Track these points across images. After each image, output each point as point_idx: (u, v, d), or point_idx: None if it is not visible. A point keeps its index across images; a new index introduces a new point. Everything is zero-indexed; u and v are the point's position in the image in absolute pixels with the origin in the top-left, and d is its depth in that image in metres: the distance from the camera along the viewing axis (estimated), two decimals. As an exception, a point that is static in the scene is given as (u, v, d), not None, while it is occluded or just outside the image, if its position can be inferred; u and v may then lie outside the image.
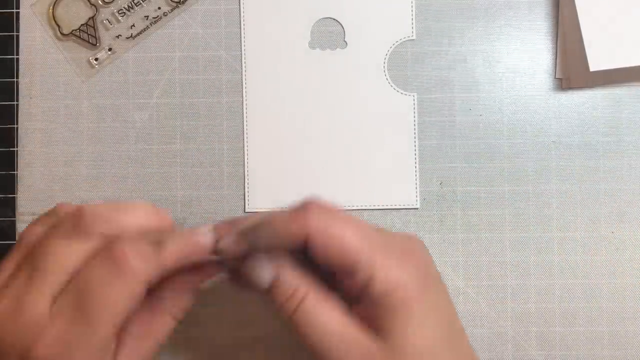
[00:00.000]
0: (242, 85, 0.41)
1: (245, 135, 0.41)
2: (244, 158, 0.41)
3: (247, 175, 0.41)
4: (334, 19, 0.41)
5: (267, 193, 0.41)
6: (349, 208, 0.41)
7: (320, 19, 0.41)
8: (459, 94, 0.41)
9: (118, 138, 0.42)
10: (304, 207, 0.28)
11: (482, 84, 0.41)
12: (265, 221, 0.28)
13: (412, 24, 0.41)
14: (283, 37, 0.41)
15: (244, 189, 0.41)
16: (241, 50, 0.41)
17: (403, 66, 0.41)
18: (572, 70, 0.41)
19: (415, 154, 0.41)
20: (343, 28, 0.41)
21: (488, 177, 0.41)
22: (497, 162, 0.41)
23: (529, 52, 0.41)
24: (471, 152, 0.41)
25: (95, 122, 0.42)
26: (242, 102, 0.41)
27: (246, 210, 0.41)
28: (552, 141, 0.41)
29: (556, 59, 0.41)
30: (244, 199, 0.41)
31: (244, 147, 0.41)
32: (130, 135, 0.42)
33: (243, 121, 0.41)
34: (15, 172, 0.41)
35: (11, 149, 0.42)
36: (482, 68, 0.41)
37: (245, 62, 0.41)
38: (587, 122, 0.41)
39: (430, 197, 0.41)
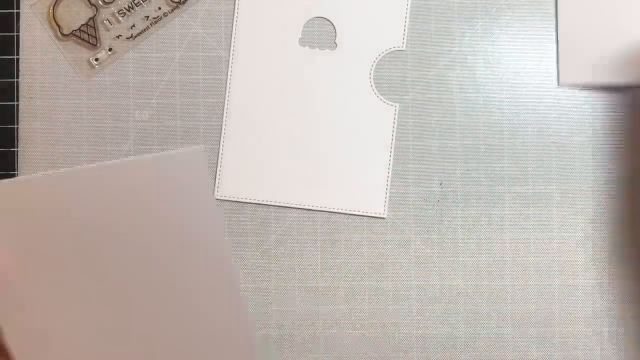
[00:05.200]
0: (227, 79, 0.41)
1: (223, 127, 0.41)
2: (218, 149, 0.41)
3: (220, 164, 0.41)
4: (328, 20, 0.41)
5: (239, 184, 0.41)
6: (318, 209, 0.41)
7: (313, 17, 0.41)
8: (459, 94, 0.41)
9: (118, 138, 0.42)
10: None
11: (482, 84, 0.41)
12: None
13: (404, 33, 0.41)
14: (275, 30, 0.41)
15: (215, 177, 0.41)
16: (231, 42, 0.41)
17: (397, 71, 0.41)
18: (571, 70, 0.41)
19: (389, 166, 0.41)
20: (335, 29, 0.41)
21: (488, 177, 0.41)
22: (497, 162, 0.41)
23: (529, 52, 0.41)
24: (471, 152, 0.41)
25: (95, 122, 0.42)
26: (225, 96, 0.41)
27: (216, 197, 0.41)
28: (552, 141, 0.41)
29: (557, 59, 0.41)
30: (214, 186, 0.41)
31: (220, 139, 0.41)
32: (130, 135, 0.42)
33: (223, 114, 0.41)
34: (16, 172, 0.41)
35: (11, 149, 0.42)
36: (483, 68, 0.41)
37: (232, 55, 0.41)
38: (587, 122, 0.41)
39: (431, 197, 0.41)
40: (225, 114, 0.41)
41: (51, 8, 0.41)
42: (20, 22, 0.42)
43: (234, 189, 0.41)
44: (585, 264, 0.41)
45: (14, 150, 0.42)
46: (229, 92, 0.41)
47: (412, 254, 0.41)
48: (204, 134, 0.41)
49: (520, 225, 0.41)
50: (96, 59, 0.41)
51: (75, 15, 0.42)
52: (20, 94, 0.42)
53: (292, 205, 0.41)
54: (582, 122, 0.41)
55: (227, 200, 0.41)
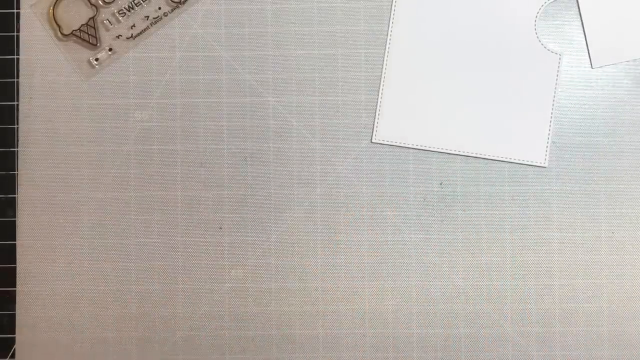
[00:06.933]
0: (388, 28, 0.41)
1: (383, 75, 0.41)
2: (378, 96, 0.41)
3: (380, 106, 0.41)
4: None
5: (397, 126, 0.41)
6: (474, 155, 0.41)
7: None
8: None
9: (118, 138, 0.42)
10: None
11: (482, 84, 0.41)
12: None
13: None
14: None
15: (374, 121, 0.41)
16: None
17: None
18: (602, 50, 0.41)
19: (550, 115, 0.41)
20: None
21: (488, 177, 0.41)
22: (497, 163, 0.41)
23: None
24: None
25: (95, 122, 0.42)
26: (386, 46, 0.41)
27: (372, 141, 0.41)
28: (552, 141, 0.41)
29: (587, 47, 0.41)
30: (372, 130, 0.41)
31: (380, 86, 0.41)
32: (130, 135, 0.42)
33: (384, 62, 0.41)
34: (16, 172, 0.41)
35: (11, 149, 0.42)
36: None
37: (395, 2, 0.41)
38: (587, 122, 0.41)
39: (430, 197, 0.41)
40: (385, 62, 0.41)
41: (51, 8, 0.41)
42: (20, 22, 0.42)
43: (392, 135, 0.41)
44: (584, 264, 0.41)
45: (14, 150, 0.42)
46: (389, 41, 0.41)
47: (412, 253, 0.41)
48: (204, 134, 0.41)
49: (520, 225, 0.41)
50: (96, 59, 0.41)
51: (75, 15, 0.42)
52: (20, 94, 0.42)
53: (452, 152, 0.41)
54: (582, 122, 0.41)
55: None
